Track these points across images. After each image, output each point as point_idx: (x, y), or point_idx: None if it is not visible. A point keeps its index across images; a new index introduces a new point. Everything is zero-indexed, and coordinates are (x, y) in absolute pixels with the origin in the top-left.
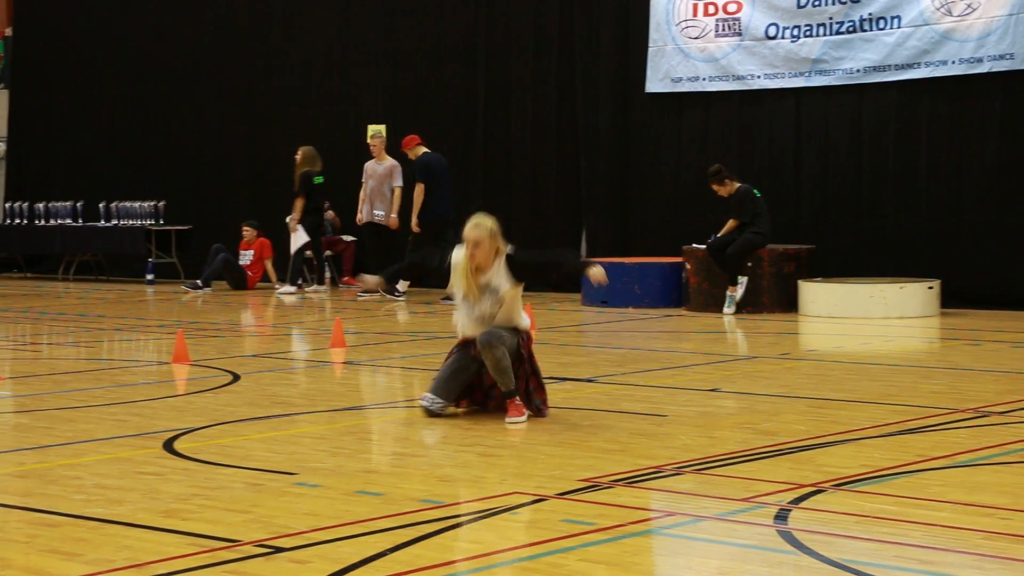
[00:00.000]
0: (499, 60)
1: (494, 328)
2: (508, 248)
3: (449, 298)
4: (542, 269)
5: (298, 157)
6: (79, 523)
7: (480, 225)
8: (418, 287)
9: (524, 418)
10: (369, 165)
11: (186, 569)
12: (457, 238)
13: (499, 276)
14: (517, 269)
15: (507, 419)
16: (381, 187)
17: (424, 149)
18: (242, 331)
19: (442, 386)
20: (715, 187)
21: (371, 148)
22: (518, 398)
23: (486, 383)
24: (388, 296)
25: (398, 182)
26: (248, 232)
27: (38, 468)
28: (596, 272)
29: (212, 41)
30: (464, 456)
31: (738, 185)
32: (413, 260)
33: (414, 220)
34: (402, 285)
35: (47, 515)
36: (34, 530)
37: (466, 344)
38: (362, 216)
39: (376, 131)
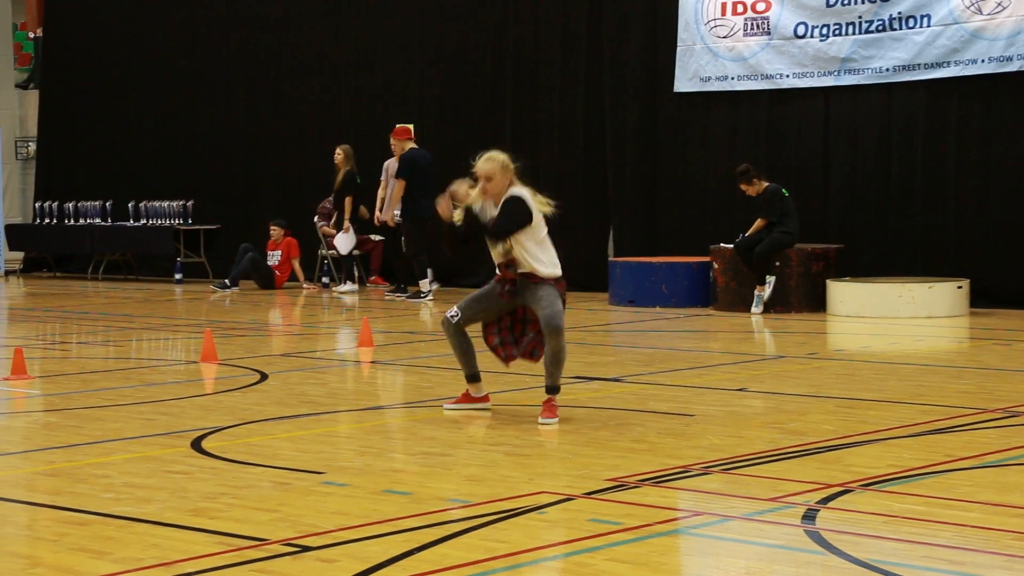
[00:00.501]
0: (527, 60)
1: (556, 307)
2: (517, 191)
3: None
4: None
5: (339, 157)
6: (108, 521)
7: (492, 159)
8: (448, 286)
9: (556, 420)
10: (390, 164)
11: (214, 568)
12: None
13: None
14: (500, 213)
15: (540, 419)
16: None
17: (412, 144)
18: (270, 330)
19: (465, 303)
20: (743, 187)
21: (392, 147)
22: (556, 398)
23: (519, 335)
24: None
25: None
26: (276, 232)
27: (67, 467)
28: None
29: (240, 40)
30: (491, 455)
31: (766, 184)
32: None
33: (390, 214)
34: (425, 284)
35: (76, 513)
36: (63, 528)
37: (501, 280)
38: (380, 215)
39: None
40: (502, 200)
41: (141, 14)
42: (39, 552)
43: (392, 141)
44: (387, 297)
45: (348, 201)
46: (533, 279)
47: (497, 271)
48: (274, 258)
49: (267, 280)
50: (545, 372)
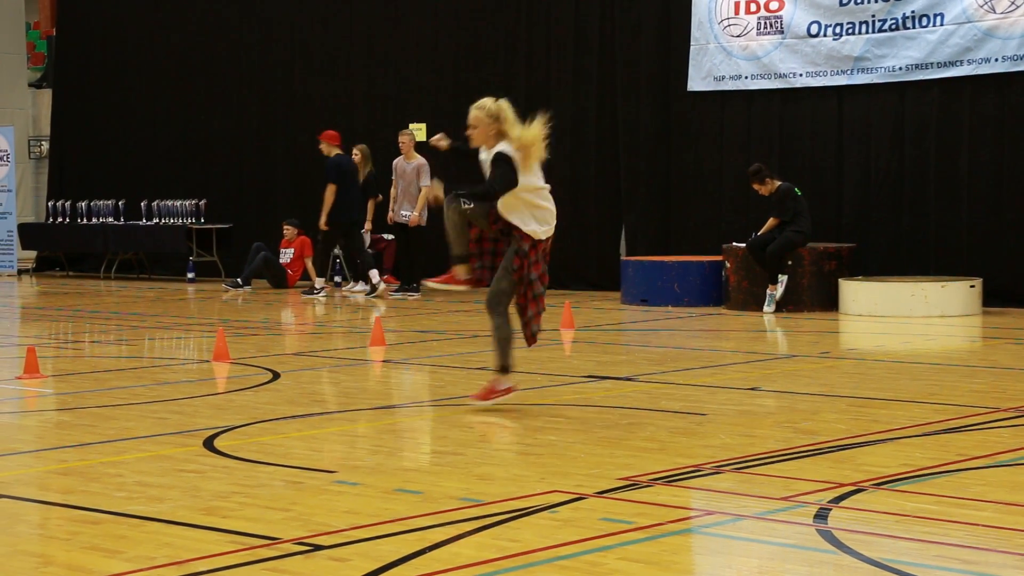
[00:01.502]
0: (540, 59)
1: (500, 285)
2: (507, 147)
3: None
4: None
5: (357, 157)
6: (120, 520)
7: (479, 107)
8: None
9: (490, 404)
10: (399, 163)
11: (226, 567)
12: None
13: (487, 155)
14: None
15: (471, 397)
16: (409, 187)
17: (338, 150)
18: (282, 329)
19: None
20: (755, 186)
21: (400, 146)
22: (504, 382)
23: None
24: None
25: (425, 181)
26: (289, 231)
27: (80, 466)
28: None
29: (254, 40)
30: (503, 455)
31: (779, 184)
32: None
33: (323, 219)
34: (375, 275)
35: (89, 512)
36: (76, 527)
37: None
38: (392, 215)
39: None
40: (492, 153)
41: (154, 14)
42: (51, 551)
43: (321, 144)
44: (392, 295)
45: (371, 203)
46: (515, 230)
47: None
48: (286, 256)
49: (279, 279)
50: (495, 351)
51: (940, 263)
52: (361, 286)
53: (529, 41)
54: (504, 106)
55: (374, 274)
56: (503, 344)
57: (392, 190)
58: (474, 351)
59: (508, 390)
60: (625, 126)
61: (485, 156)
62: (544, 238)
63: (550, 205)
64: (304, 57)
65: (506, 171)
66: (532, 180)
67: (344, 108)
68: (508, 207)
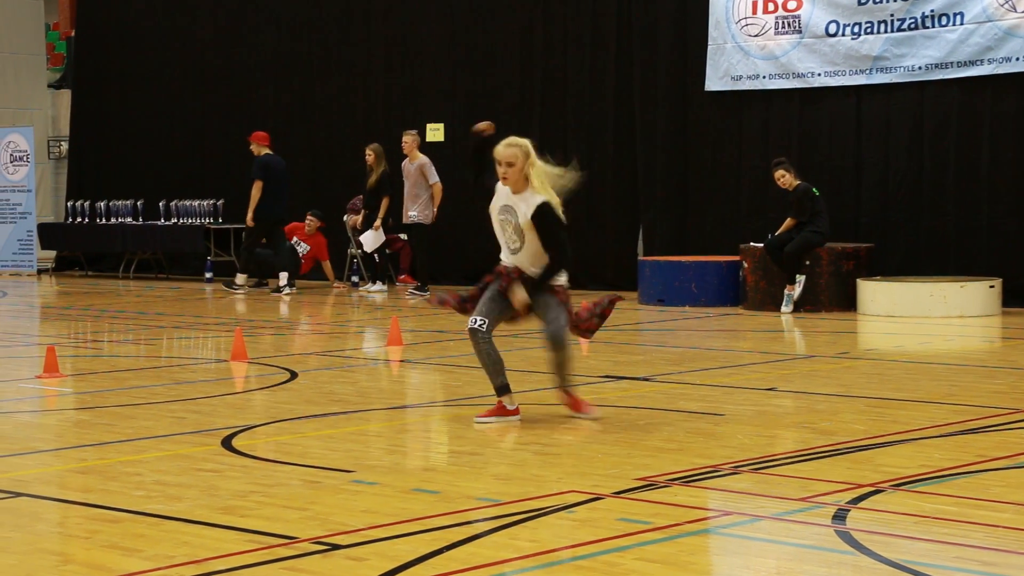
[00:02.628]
0: (556, 59)
1: (560, 322)
2: (544, 197)
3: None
4: (546, 243)
5: (371, 157)
6: (139, 519)
7: (514, 144)
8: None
9: (495, 421)
10: (405, 165)
11: (244, 565)
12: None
13: (522, 208)
14: (538, 221)
15: (574, 412)
16: (414, 187)
17: (267, 150)
18: (299, 329)
19: (484, 309)
20: (778, 174)
21: (403, 146)
22: (507, 403)
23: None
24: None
25: (433, 178)
26: (311, 223)
27: (99, 464)
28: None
29: (271, 42)
30: (520, 455)
31: (797, 183)
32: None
33: (250, 216)
34: (240, 279)
35: (108, 511)
36: (95, 525)
37: (499, 274)
38: (404, 216)
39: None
40: (533, 209)
41: (173, 14)
42: (71, 549)
43: (252, 145)
44: (409, 295)
45: (385, 201)
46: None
47: (493, 271)
48: (301, 248)
49: (296, 272)
50: (555, 376)
51: (959, 263)
52: (379, 286)
53: (546, 41)
54: (531, 145)
55: (283, 276)
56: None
57: (404, 191)
58: None
59: (514, 411)
60: (642, 126)
61: (511, 202)
62: (564, 284)
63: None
64: (321, 58)
65: (562, 229)
66: None
67: (361, 108)
68: (531, 260)
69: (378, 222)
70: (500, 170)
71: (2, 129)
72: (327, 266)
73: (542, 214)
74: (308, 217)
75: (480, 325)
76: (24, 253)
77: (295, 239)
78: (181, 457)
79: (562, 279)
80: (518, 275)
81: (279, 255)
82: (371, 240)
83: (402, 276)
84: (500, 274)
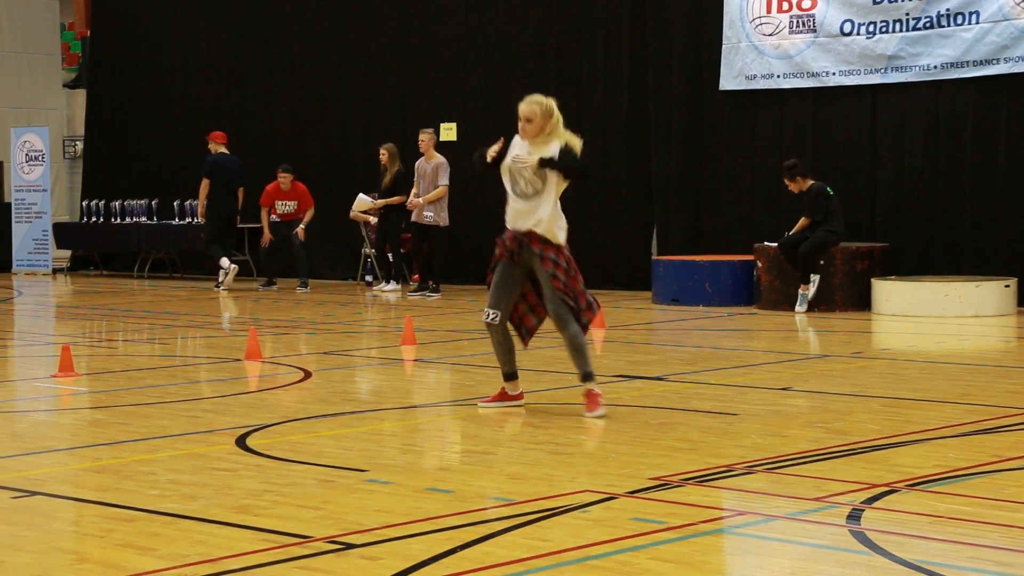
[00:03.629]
0: (571, 58)
1: (559, 298)
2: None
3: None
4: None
5: (385, 156)
6: (154, 518)
7: (537, 101)
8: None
9: (603, 411)
10: (420, 164)
11: (258, 565)
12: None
13: (542, 149)
14: (564, 159)
15: (586, 412)
16: (430, 187)
17: (223, 149)
18: (313, 328)
19: (493, 298)
20: (787, 182)
21: (420, 144)
22: (596, 386)
23: (529, 319)
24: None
25: (443, 180)
26: (284, 178)
27: (114, 463)
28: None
29: (286, 41)
30: (534, 454)
31: (811, 183)
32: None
33: (200, 211)
34: (225, 262)
35: (123, 510)
36: (110, 524)
37: (507, 251)
38: (415, 216)
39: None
40: (554, 145)
41: (187, 14)
42: (86, 548)
43: (209, 144)
44: (411, 295)
45: (399, 199)
46: (537, 244)
47: (496, 247)
48: (288, 207)
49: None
50: (573, 363)
51: (974, 263)
52: (392, 285)
53: (560, 40)
54: (555, 105)
55: (222, 273)
56: (580, 351)
57: (413, 190)
58: None
59: (517, 396)
60: (656, 125)
61: (525, 152)
62: (563, 241)
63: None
64: (336, 57)
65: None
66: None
67: (376, 107)
68: (548, 218)
69: (382, 201)
70: (520, 125)
71: (18, 129)
72: (310, 213)
73: (565, 152)
74: (279, 174)
75: (492, 319)
76: (39, 253)
77: (278, 202)
78: (195, 456)
79: (561, 236)
80: (516, 241)
81: (223, 252)
82: (361, 202)
83: (415, 276)
84: (503, 246)
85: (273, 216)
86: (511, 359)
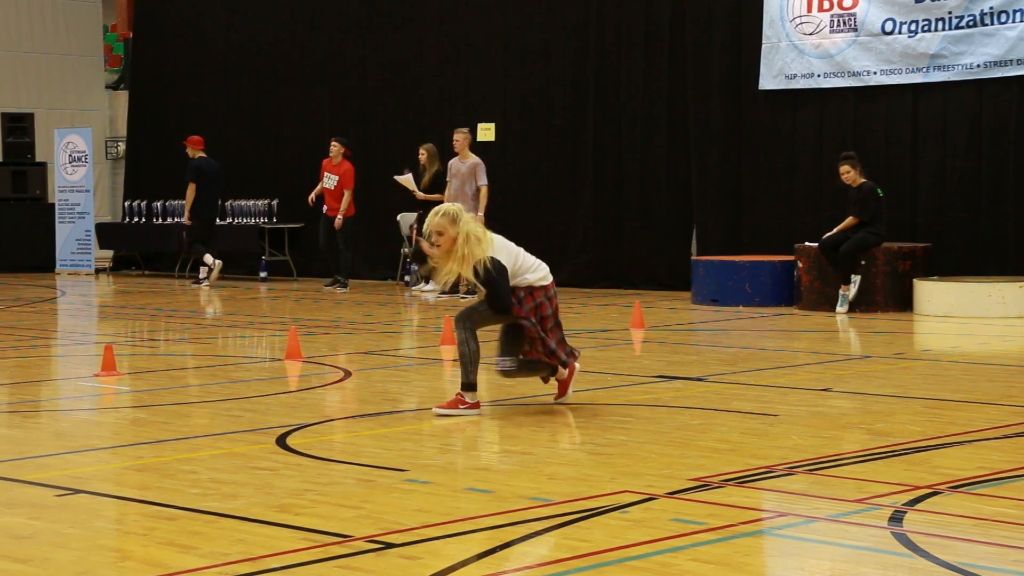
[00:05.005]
0: (610, 58)
1: (474, 307)
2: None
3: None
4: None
5: (424, 156)
6: (195, 516)
7: (443, 212)
8: None
9: (454, 412)
10: (453, 163)
11: (298, 563)
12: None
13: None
14: (482, 281)
15: (436, 408)
16: (464, 187)
17: (201, 153)
18: (354, 328)
19: (504, 347)
20: (847, 168)
21: (454, 144)
22: (469, 396)
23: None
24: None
25: (482, 180)
26: (336, 148)
27: (155, 462)
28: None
29: (325, 43)
30: (574, 454)
31: (863, 180)
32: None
33: (187, 214)
34: (208, 258)
35: (164, 508)
36: (152, 523)
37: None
38: None
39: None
40: (472, 268)
41: (228, 16)
42: (128, 546)
43: (188, 149)
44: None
45: (437, 197)
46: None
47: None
48: (331, 182)
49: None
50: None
51: (1019, 263)
52: (432, 285)
53: (599, 39)
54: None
55: (205, 266)
56: (465, 360)
57: (447, 190)
58: None
59: (474, 405)
60: (696, 125)
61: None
62: (544, 284)
63: (537, 266)
64: (375, 58)
65: (500, 272)
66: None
67: (414, 107)
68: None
69: (421, 195)
70: (434, 239)
71: (61, 130)
72: (348, 196)
73: (484, 273)
74: (332, 143)
75: (510, 367)
76: (82, 253)
77: (327, 173)
78: (236, 455)
79: (531, 278)
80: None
81: (206, 249)
82: (407, 180)
83: None
84: None
85: (319, 193)
86: (474, 370)
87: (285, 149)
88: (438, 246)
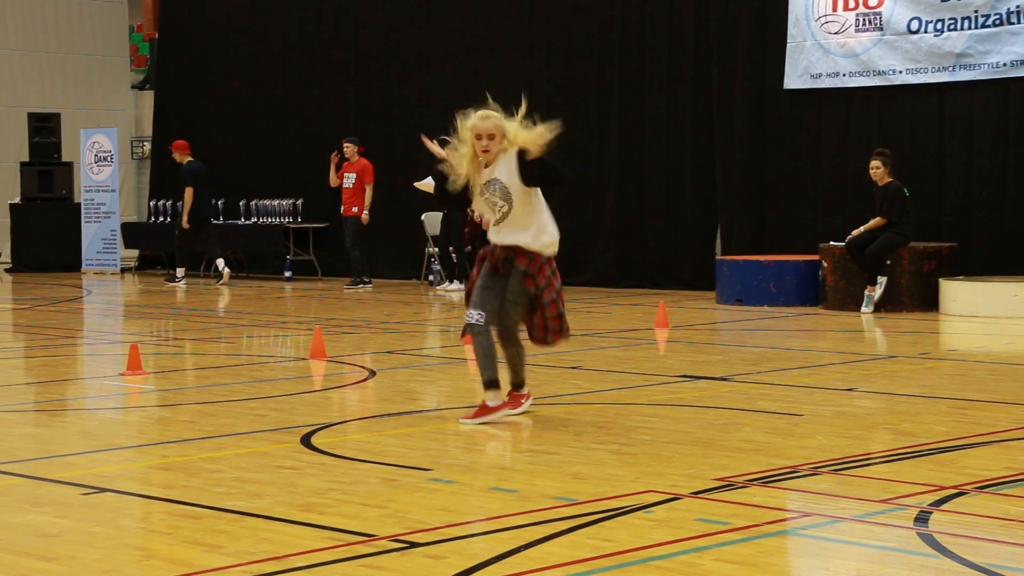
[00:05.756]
0: (634, 56)
1: (512, 318)
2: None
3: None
4: (546, 178)
5: None
6: (220, 515)
7: (490, 117)
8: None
9: (480, 421)
10: None
11: (323, 563)
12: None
13: (504, 171)
14: (526, 169)
15: (462, 418)
16: None
17: (189, 158)
18: (377, 327)
19: (478, 299)
20: (878, 164)
21: (175, 158)
22: (490, 399)
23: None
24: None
25: None
26: (349, 148)
27: (181, 461)
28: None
29: (350, 42)
30: (598, 454)
31: (890, 180)
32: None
33: (185, 218)
34: (180, 272)
35: (189, 507)
36: (177, 521)
37: (488, 256)
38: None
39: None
40: (510, 156)
41: (253, 16)
42: (154, 544)
43: (174, 154)
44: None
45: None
46: (519, 257)
47: (481, 251)
48: (348, 181)
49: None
50: (511, 372)
51: None
52: (456, 285)
53: (624, 39)
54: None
55: (220, 262)
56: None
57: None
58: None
59: (499, 407)
60: (720, 124)
61: (493, 175)
62: (553, 252)
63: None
64: (399, 57)
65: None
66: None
67: (438, 106)
68: (519, 224)
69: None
70: (480, 144)
71: (87, 130)
72: (370, 191)
73: (523, 160)
74: (345, 144)
75: (478, 319)
76: (108, 252)
77: (346, 172)
78: (261, 454)
79: (551, 247)
80: (503, 254)
81: (213, 249)
82: (427, 184)
83: None
84: (486, 256)
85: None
86: (492, 364)
87: (310, 148)
88: (486, 151)
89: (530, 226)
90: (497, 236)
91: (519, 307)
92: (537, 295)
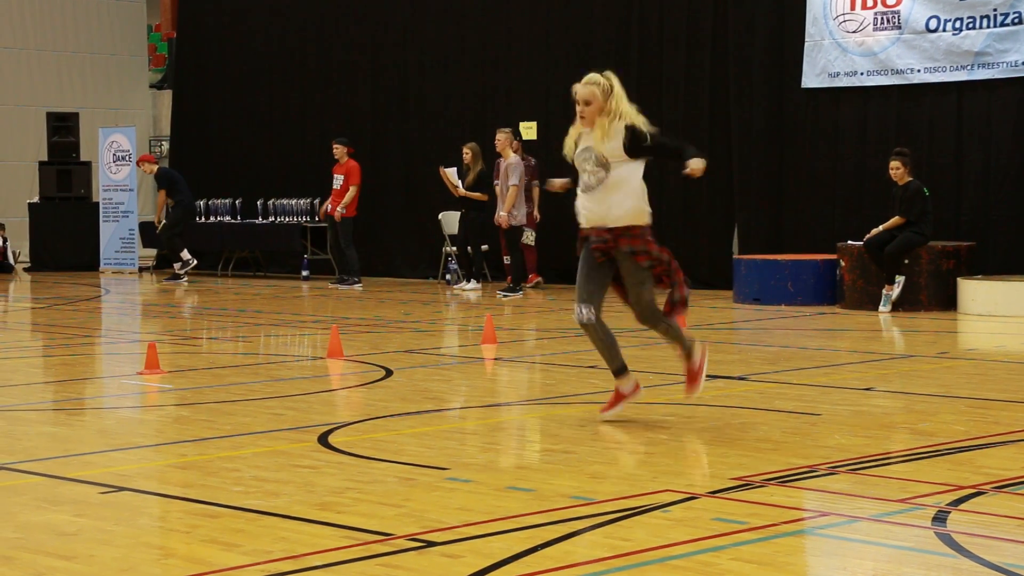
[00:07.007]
0: (652, 55)
1: (646, 296)
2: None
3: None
4: (661, 154)
5: (468, 156)
6: (238, 514)
7: (595, 82)
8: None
9: (618, 411)
10: (499, 163)
11: (341, 561)
12: None
13: (608, 143)
14: (636, 142)
15: (601, 412)
16: (506, 186)
17: (156, 165)
18: (394, 327)
19: (584, 294)
20: (897, 164)
21: (496, 144)
22: (623, 386)
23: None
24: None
25: (513, 180)
26: (339, 150)
27: (198, 460)
28: (696, 165)
29: (367, 42)
30: (615, 453)
31: (910, 179)
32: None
33: (159, 217)
34: (178, 267)
35: (207, 506)
36: (195, 520)
37: (586, 238)
38: (496, 216)
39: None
40: (618, 127)
41: (271, 16)
42: (172, 543)
43: (146, 167)
44: (502, 295)
45: (479, 198)
46: (619, 240)
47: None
48: (337, 182)
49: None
50: (674, 344)
51: None
52: (473, 284)
53: (641, 38)
54: (615, 79)
55: (179, 264)
56: (677, 337)
57: (498, 189)
58: (586, 349)
59: (635, 389)
60: (738, 123)
61: (589, 142)
62: (647, 221)
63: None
64: (416, 56)
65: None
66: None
67: (456, 106)
68: (624, 206)
69: (462, 192)
70: (577, 110)
71: (105, 129)
72: (352, 192)
73: (644, 136)
74: (334, 146)
75: (587, 317)
76: (126, 251)
77: (335, 174)
78: (278, 453)
79: (644, 216)
80: (600, 247)
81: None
82: (451, 174)
83: (532, 275)
84: (586, 241)
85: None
86: (616, 353)
87: (328, 148)
88: (583, 117)
89: (619, 192)
90: (588, 202)
91: (645, 286)
92: (653, 266)
